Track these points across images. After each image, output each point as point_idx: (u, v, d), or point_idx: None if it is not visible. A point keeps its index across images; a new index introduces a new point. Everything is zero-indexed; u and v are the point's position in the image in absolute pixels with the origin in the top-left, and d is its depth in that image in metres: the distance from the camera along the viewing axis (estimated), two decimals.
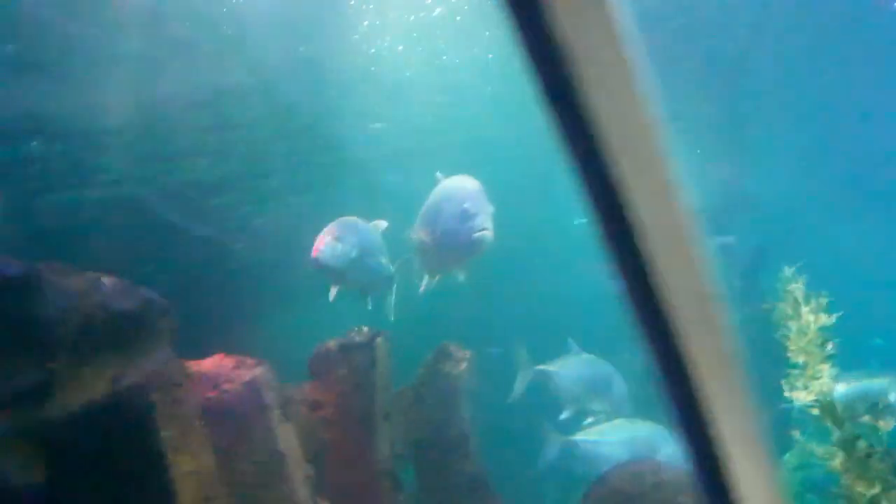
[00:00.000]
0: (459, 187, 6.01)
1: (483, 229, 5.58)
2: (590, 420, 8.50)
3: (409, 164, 11.28)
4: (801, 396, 5.38)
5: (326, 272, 6.97)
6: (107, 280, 4.67)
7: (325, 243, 6.86)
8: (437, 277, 6.50)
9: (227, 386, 5.73)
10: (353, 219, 7.33)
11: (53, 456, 3.99)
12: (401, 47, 10.91)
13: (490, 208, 5.74)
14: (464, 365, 7.83)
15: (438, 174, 6.48)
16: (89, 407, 4.08)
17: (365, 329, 7.36)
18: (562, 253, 11.66)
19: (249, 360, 6.11)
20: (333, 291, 7.13)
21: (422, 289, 6.49)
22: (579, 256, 12.56)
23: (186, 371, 4.86)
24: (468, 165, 7.88)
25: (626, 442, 7.85)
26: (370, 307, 7.92)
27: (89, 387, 4.19)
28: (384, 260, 7.73)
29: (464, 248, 5.81)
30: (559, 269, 11.68)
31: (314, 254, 6.81)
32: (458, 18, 10.92)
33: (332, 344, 7.30)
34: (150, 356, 4.67)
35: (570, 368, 8.86)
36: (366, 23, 10.57)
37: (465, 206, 5.72)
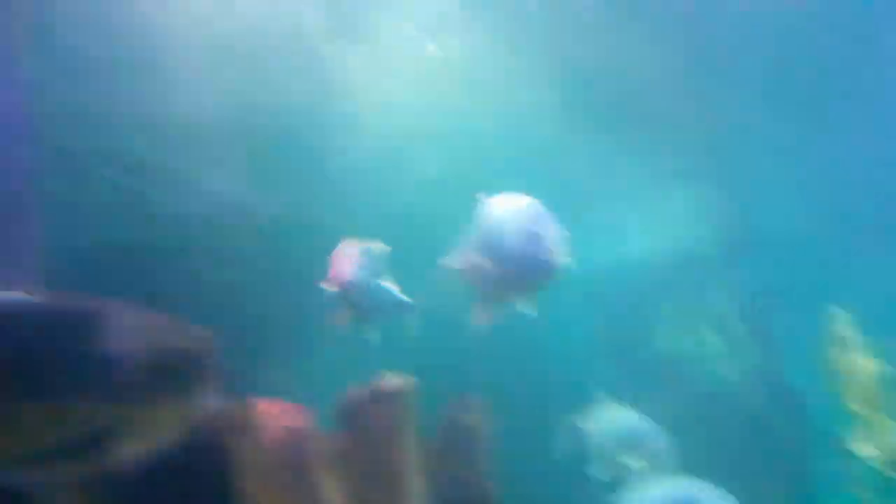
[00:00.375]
0: (524, 207, 5.46)
1: (557, 251, 5.11)
2: (627, 477, 8.09)
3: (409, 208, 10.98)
4: (864, 450, 5.07)
5: (349, 298, 6.54)
6: (159, 317, 4.16)
7: (350, 266, 6.47)
8: (493, 308, 5.92)
9: (269, 433, 5.17)
10: (362, 242, 6.95)
11: None
12: (397, 92, 10.74)
13: (563, 231, 5.24)
14: (483, 419, 7.43)
15: (481, 195, 5.93)
16: (162, 453, 3.55)
17: (393, 374, 6.90)
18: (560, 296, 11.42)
19: (286, 405, 5.58)
20: (342, 318, 6.69)
21: (474, 321, 5.95)
22: (577, 300, 12.34)
23: (257, 414, 4.34)
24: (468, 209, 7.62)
25: (665, 501, 7.47)
26: (378, 338, 7.49)
27: (159, 431, 3.66)
28: (395, 286, 7.35)
29: (535, 274, 5.28)
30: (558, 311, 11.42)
31: (339, 277, 6.39)
32: (454, 62, 10.86)
33: (360, 391, 6.78)
34: (209, 398, 4.14)
35: (602, 423, 8.46)
36: (360, 69, 10.39)
37: (535, 226, 5.21)
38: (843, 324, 5.37)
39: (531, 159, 11.68)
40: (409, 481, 6.67)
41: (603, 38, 10.89)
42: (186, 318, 5.71)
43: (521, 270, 5.32)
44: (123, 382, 3.67)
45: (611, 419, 8.50)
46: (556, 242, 5.17)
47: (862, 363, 5.17)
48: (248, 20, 8.65)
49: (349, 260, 6.46)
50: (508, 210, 5.55)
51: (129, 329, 3.80)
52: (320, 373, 7.64)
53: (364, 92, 10.04)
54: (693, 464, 9.40)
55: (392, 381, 6.80)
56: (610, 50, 10.94)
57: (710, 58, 11.25)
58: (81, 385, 3.56)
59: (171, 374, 3.93)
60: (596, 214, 13.54)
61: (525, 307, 5.63)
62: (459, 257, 5.91)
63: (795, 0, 10.43)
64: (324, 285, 6.53)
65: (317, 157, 9.91)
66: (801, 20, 10.51)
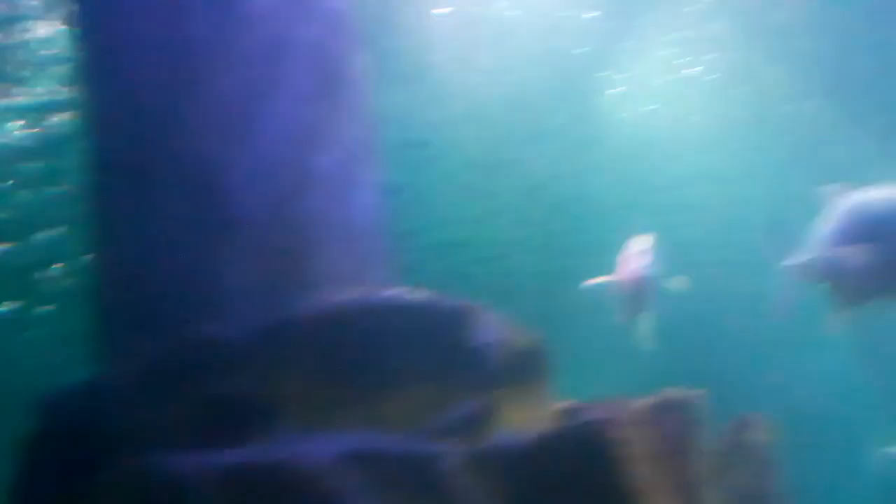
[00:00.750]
0: None
1: None
2: None
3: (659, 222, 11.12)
4: None
5: (640, 294, 6.67)
6: (501, 315, 4.66)
7: (643, 263, 6.62)
8: (853, 311, 5.26)
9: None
10: (645, 239, 6.95)
11: (512, 486, 3.89)
12: (651, 109, 10.90)
13: None
14: (769, 436, 7.23)
15: (831, 188, 5.39)
16: (551, 437, 4.00)
17: (679, 388, 6.98)
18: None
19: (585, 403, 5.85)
20: (628, 314, 6.79)
21: (831, 329, 5.40)
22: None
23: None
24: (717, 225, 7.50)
25: None
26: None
27: (537, 418, 4.14)
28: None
29: None
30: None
31: (632, 274, 6.56)
32: (706, 79, 10.81)
33: (643, 401, 6.93)
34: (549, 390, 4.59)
35: None
36: (619, 89, 10.68)
37: None
38: None
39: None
40: (699, 493, 6.68)
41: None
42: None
43: None
44: (488, 371, 4.17)
45: None
46: None
47: None
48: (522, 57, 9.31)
49: (641, 257, 6.63)
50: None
51: (488, 325, 4.31)
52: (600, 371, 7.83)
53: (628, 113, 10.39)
54: None
55: (680, 391, 6.88)
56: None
57: None
58: (455, 371, 4.11)
59: (523, 366, 4.40)
60: None
61: None
62: (813, 255, 5.32)
63: None
64: (600, 282, 6.73)
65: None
66: None
